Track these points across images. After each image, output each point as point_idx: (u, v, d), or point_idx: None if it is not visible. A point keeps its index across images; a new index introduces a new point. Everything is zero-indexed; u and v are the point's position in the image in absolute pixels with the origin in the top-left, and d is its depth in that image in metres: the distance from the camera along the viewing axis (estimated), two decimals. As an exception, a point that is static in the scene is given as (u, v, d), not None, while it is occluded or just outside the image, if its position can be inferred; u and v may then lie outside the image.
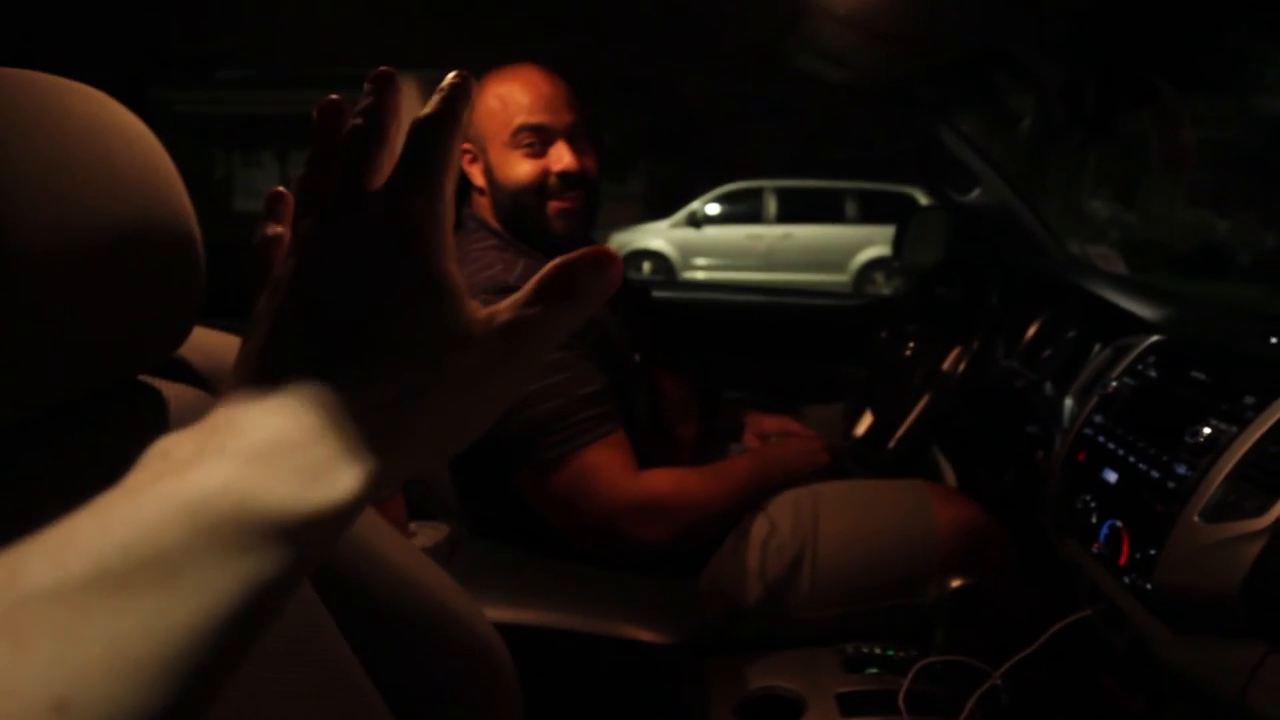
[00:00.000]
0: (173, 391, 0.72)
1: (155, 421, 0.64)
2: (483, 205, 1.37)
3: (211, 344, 0.83)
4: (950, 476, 1.71)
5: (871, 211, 9.98)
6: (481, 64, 1.54)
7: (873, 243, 9.71)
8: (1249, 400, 1.00)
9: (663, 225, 10.67)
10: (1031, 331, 1.57)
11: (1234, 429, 0.99)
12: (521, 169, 1.31)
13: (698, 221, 10.62)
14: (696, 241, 10.52)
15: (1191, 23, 0.95)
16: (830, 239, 10.16)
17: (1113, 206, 14.14)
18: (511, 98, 1.31)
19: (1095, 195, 14.14)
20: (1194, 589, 0.96)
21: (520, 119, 1.30)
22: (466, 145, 1.36)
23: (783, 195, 10.48)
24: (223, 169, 13.32)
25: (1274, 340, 1.11)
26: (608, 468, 1.20)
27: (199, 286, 0.76)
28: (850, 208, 10.28)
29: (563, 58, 1.51)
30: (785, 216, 10.41)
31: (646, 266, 10.40)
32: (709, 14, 1.49)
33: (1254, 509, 0.90)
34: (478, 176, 1.36)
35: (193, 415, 0.73)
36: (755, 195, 10.60)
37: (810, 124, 9.54)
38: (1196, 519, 0.96)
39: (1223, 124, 10.03)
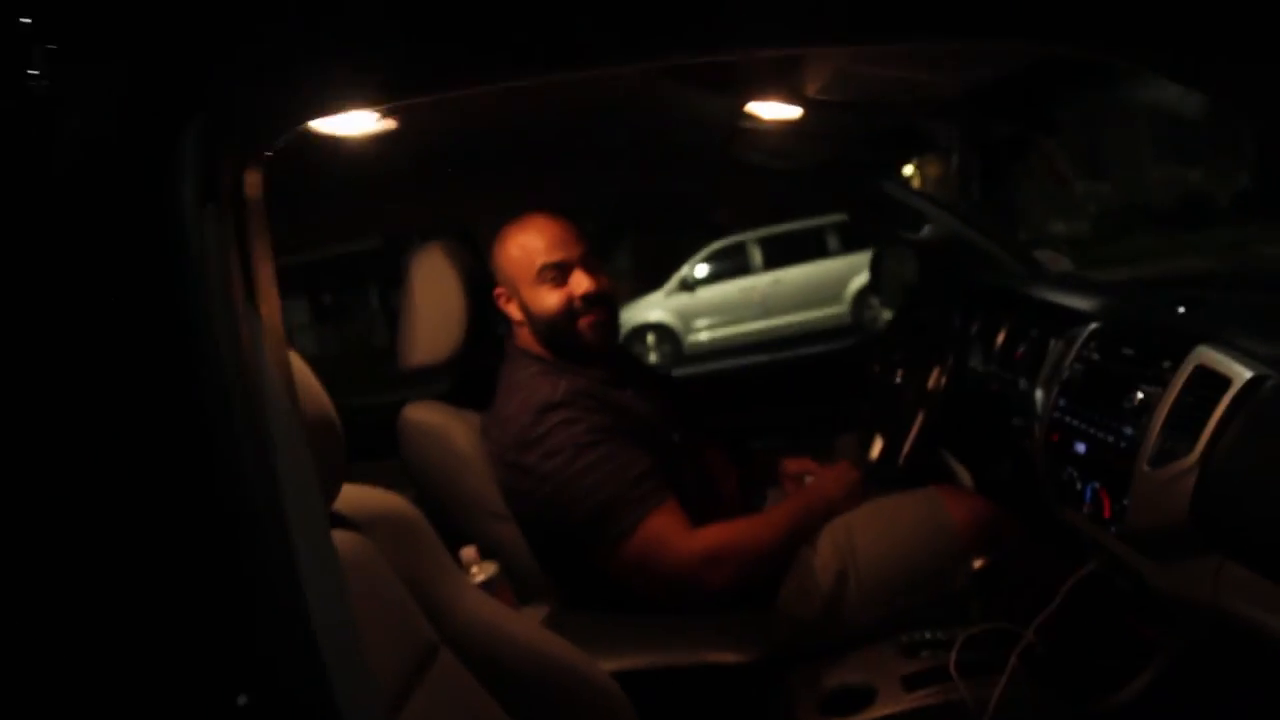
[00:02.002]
0: (337, 538, 0.96)
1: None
2: (524, 335, 1.63)
3: (353, 496, 1.08)
4: (965, 476, 1.93)
5: (853, 240, 10.23)
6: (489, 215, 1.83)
7: (860, 270, 9.94)
8: (1166, 364, 1.22)
9: (658, 296, 10.94)
10: (1000, 338, 1.81)
11: (1158, 389, 1.21)
12: (551, 299, 1.57)
13: (690, 285, 10.89)
14: (693, 305, 10.80)
15: (1037, 92, 1.21)
16: (819, 275, 10.42)
17: (1085, 182, 14.43)
18: (530, 243, 1.59)
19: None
20: (1159, 524, 1.17)
21: (541, 260, 1.57)
22: (500, 289, 1.63)
23: (765, 243, 10.78)
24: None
25: (1180, 310, 1.35)
26: (669, 530, 1.43)
27: (342, 455, 1.01)
28: (831, 241, 10.52)
29: (545, 189, 1.80)
30: (772, 262, 10.69)
31: (650, 338, 10.65)
32: (667, 133, 1.77)
33: (1184, 450, 1.12)
34: (516, 312, 1.63)
35: (351, 555, 0.97)
36: (739, 249, 10.90)
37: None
38: (1146, 468, 1.18)
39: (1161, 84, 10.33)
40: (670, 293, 10.94)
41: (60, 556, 0.48)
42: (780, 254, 10.65)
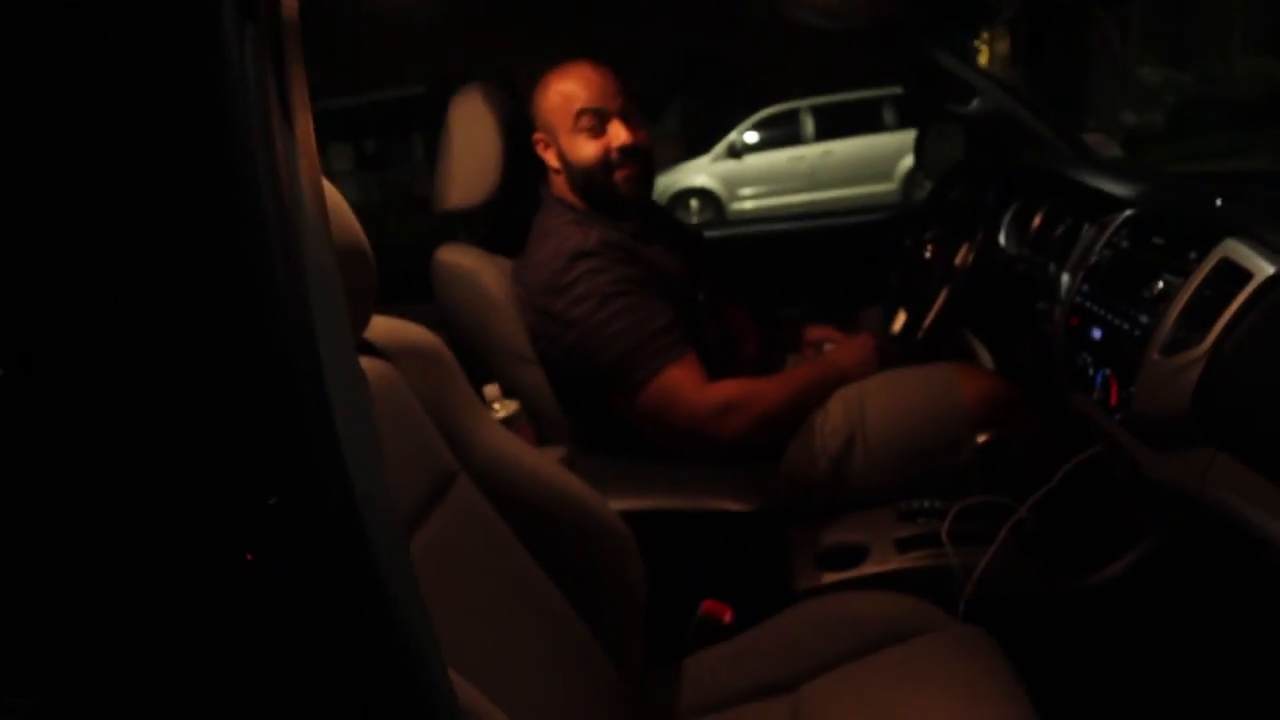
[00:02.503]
0: (365, 364, 1.01)
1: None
2: (559, 183, 1.65)
3: (383, 327, 1.13)
4: (985, 356, 1.95)
5: (910, 116, 9.91)
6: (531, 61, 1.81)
7: (915, 147, 9.69)
8: (1192, 255, 1.22)
9: (704, 161, 10.72)
10: (1037, 220, 1.79)
11: (1180, 279, 1.22)
12: (588, 149, 1.59)
13: (738, 152, 10.66)
14: (740, 172, 10.59)
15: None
16: (872, 149, 10.12)
17: (1164, 70, 13.67)
18: (570, 90, 1.60)
19: (1144, 61, 13.71)
20: (1160, 413, 1.20)
21: (579, 105, 1.58)
22: (539, 135, 1.64)
23: (818, 113, 10.45)
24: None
25: (1218, 202, 1.33)
26: (686, 382, 1.48)
27: (373, 284, 1.06)
28: (888, 115, 10.20)
29: (595, 39, 1.77)
30: (824, 134, 10.41)
31: (694, 204, 10.52)
32: None
33: (1196, 340, 1.14)
34: (553, 160, 1.65)
35: (378, 380, 1.03)
36: (791, 117, 10.59)
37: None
38: (1156, 356, 1.20)
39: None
40: (717, 158, 10.74)
41: (95, 364, 0.51)
42: (833, 125, 10.35)
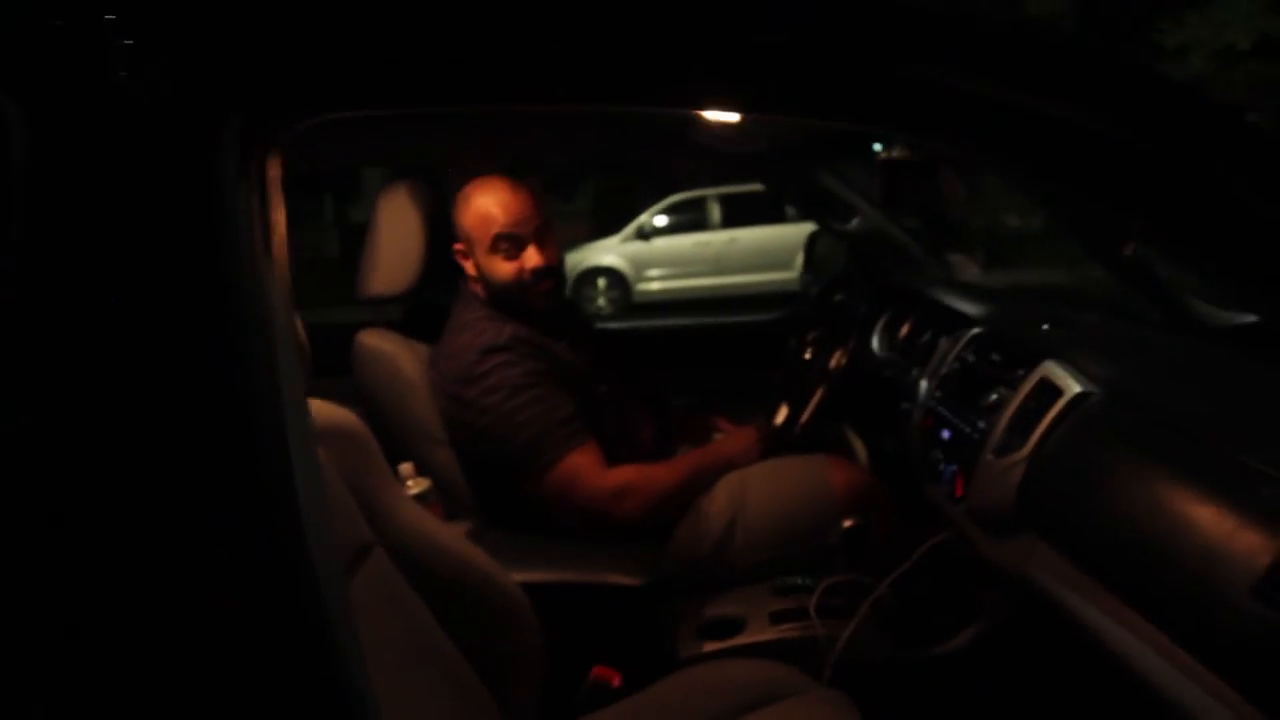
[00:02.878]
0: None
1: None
2: (476, 285, 1.78)
3: (312, 407, 1.23)
4: (860, 448, 2.15)
5: (811, 209, 10.30)
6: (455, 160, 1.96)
7: (814, 240, 10.09)
8: (1020, 372, 1.44)
9: (613, 241, 10.96)
10: (904, 330, 2.02)
11: (1011, 392, 1.43)
12: (503, 269, 1.71)
13: (646, 234, 10.92)
14: (647, 254, 10.85)
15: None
16: (775, 239, 10.49)
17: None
18: (488, 212, 1.71)
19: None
20: (993, 504, 1.39)
21: (496, 229, 1.70)
22: (458, 245, 1.78)
23: (725, 201, 10.82)
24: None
25: (1044, 327, 1.56)
26: (586, 467, 1.62)
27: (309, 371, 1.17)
28: (790, 207, 10.68)
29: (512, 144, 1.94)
30: (730, 221, 10.77)
31: (601, 282, 10.69)
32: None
33: (1019, 444, 1.34)
34: (471, 269, 1.77)
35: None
36: (699, 204, 10.94)
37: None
38: (990, 456, 1.40)
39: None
40: (626, 239, 10.98)
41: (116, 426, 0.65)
42: (739, 213, 10.72)
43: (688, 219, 11.01)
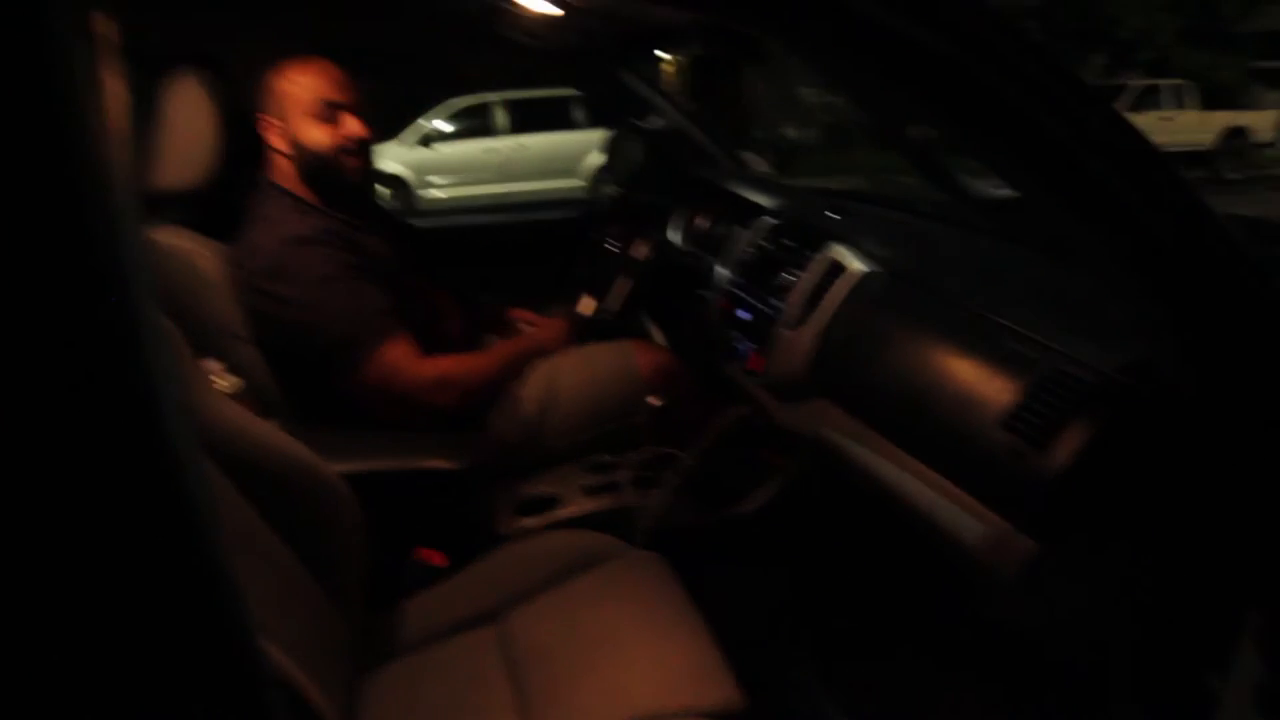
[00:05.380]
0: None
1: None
2: (283, 169, 1.70)
3: None
4: (657, 334, 2.27)
5: (600, 117, 10.22)
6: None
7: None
8: (808, 253, 1.58)
9: (394, 147, 10.40)
10: (700, 221, 2.12)
11: (802, 273, 1.57)
12: (322, 135, 1.66)
13: (429, 140, 10.59)
14: (431, 160, 10.50)
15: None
16: (562, 146, 10.48)
17: (821, 92, 15.47)
18: (310, 81, 1.65)
19: (804, 82, 15.43)
20: (787, 374, 1.54)
21: (320, 95, 1.65)
22: (268, 118, 1.69)
23: (513, 106, 10.62)
24: None
25: (827, 213, 1.70)
26: (403, 358, 1.62)
27: None
28: (577, 114, 10.57)
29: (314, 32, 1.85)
30: (517, 128, 10.60)
31: (384, 191, 10.30)
32: None
33: (810, 318, 1.48)
34: (280, 143, 1.68)
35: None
36: (484, 110, 10.67)
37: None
38: (784, 330, 1.54)
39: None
40: (408, 145, 10.58)
41: None
42: (526, 120, 10.58)
43: (473, 125, 10.69)
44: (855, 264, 1.45)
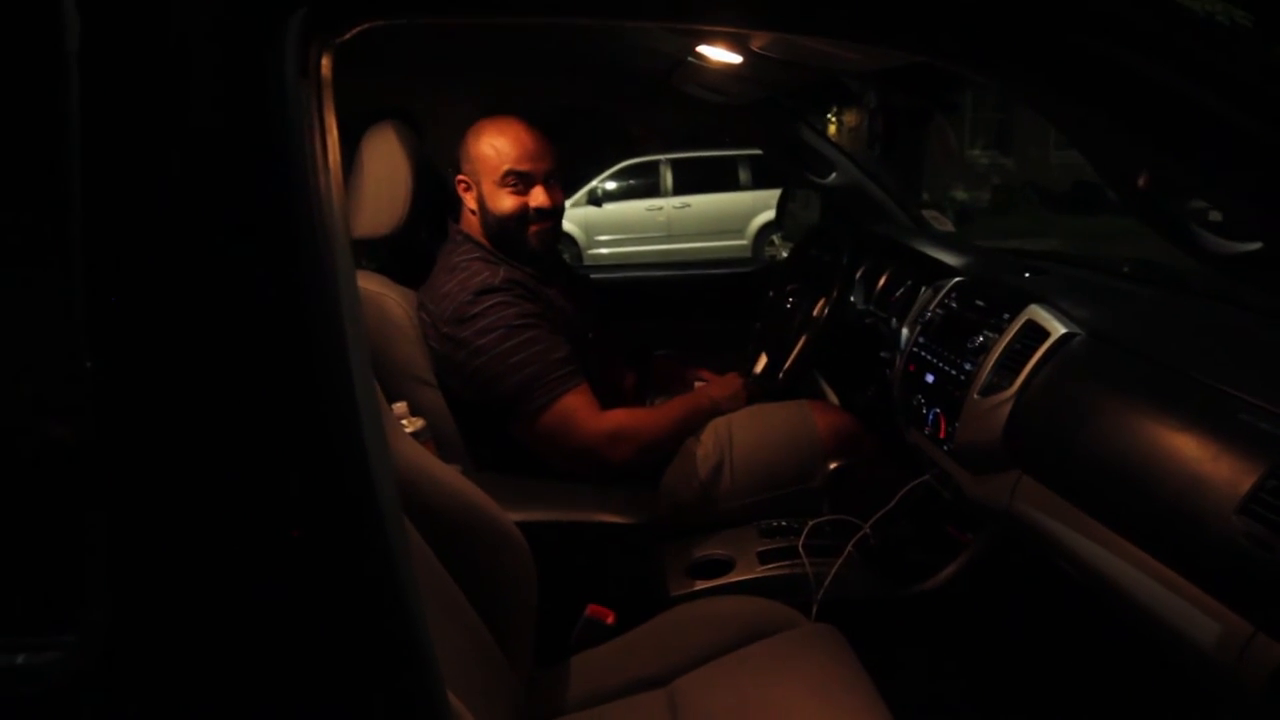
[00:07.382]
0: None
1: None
2: (472, 223, 1.77)
3: None
4: (831, 396, 2.20)
5: (763, 177, 10.28)
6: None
7: (768, 206, 10.05)
8: (1005, 316, 1.48)
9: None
10: (882, 281, 2.06)
11: (996, 335, 1.48)
12: (508, 203, 1.72)
13: (598, 199, 10.84)
14: (599, 219, 10.79)
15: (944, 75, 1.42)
16: (727, 206, 10.56)
17: (991, 154, 15.07)
18: (503, 147, 1.71)
19: (974, 145, 15.08)
20: (978, 443, 1.44)
21: (508, 165, 1.70)
22: (462, 177, 1.76)
23: (678, 166, 10.81)
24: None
25: (1026, 275, 1.61)
26: (582, 409, 1.64)
27: None
28: (743, 174, 10.62)
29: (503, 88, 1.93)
30: (682, 188, 10.77)
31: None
32: (619, 55, 1.93)
33: (1006, 384, 1.39)
34: (471, 202, 1.76)
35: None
36: (652, 169, 10.90)
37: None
38: (976, 396, 1.45)
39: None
40: (578, 204, 10.92)
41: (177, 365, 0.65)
42: (691, 180, 10.73)
43: (639, 184, 10.96)
44: (1058, 326, 1.35)
